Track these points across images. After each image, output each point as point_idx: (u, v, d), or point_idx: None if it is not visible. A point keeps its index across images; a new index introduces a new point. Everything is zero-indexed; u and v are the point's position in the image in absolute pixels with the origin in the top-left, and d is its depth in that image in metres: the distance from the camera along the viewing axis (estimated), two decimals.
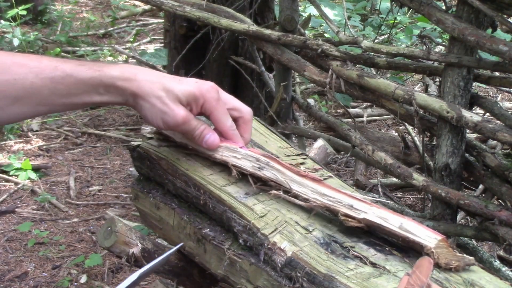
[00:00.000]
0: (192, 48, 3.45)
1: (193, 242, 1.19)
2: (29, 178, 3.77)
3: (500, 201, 2.30)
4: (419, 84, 5.02)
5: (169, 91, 1.08)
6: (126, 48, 5.78)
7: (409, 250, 1.02)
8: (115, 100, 1.10)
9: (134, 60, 5.02)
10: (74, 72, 1.06)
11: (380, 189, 2.89)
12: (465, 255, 0.99)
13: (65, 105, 1.10)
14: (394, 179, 3.36)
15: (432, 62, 2.31)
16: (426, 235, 0.96)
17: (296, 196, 1.09)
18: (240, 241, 1.07)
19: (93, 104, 1.12)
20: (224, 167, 1.21)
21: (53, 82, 1.05)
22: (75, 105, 1.10)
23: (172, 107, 1.08)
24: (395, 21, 5.20)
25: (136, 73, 1.09)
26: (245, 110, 1.19)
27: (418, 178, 2.11)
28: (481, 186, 3.07)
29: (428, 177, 2.19)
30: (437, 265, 0.95)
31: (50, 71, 1.05)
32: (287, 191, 1.10)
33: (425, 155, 2.34)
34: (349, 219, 1.02)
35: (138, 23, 7.25)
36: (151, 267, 1.09)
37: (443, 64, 2.15)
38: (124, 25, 7.15)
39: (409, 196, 3.56)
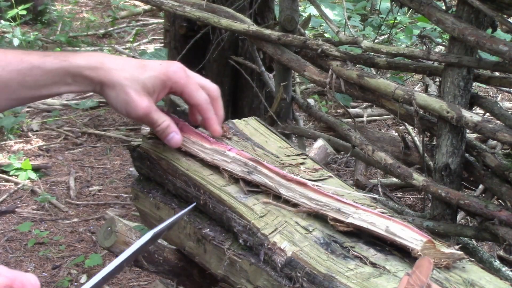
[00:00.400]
0: (192, 48, 3.45)
1: (193, 242, 1.19)
2: (29, 178, 3.77)
3: (500, 201, 2.30)
4: (419, 84, 5.01)
5: (134, 80, 1.07)
6: (126, 48, 5.78)
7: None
8: (83, 89, 1.10)
9: None
10: (40, 63, 1.05)
11: (380, 189, 2.89)
12: (454, 250, 0.99)
13: (34, 97, 1.09)
14: (394, 179, 3.36)
15: (432, 62, 2.30)
16: (412, 238, 0.97)
17: (287, 201, 1.09)
18: (240, 241, 1.07)
19: (62, 94, 1.12)
20: None
21: (20, 75, 1.04)
22: (44, 96, 1.10)
23: (134, 97, 1.07)
24: (395, 21, 5.19)
25: (102, 62, 1.08)
26: (212, 87, 1.20)
27: (418, 178, 2.11)
28: (481, 186, 3.07)
29: (428, 177, 2.19)
30: None
31: (17, 63, 1.04)
32: (278, 196, 1.10)
33: (425, 155, 2.34)
34: (339, 224, 1.03)
35: (138, 23, 7.24)
36: (164, 227, 1.07)
37: (443, 64, 2.15)
38: (124, 25, 7.15)
39: (409, 196, 3.56)
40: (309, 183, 1.08)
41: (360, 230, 1.02)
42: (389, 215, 1.04)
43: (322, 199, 1.05)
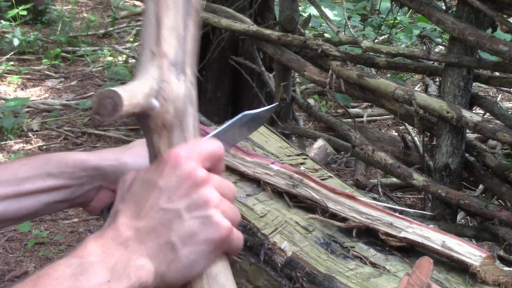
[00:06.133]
0: None
1: None
2: None
3: (500, 201, 2.30)
4: (419, 84, 5.01)
5: None
6: (126, 48, 5.78)
7: (409, 250, 1.02)
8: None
9: (134, 61, 5.02)
10: None
11: (380, 189, 2.88)
12: None
13: None
14: (394, 179, 3.35)
15: (432, 62, 2.31)
16: (469, 253, 0.95)
17: (334, 215, 1.06)
18: None
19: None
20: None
21: None
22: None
23: None
24: (395, 21, 5.19)
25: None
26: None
27: (418, 178, 2.11)
28: (481, 186, 3.07)
29: (428, 177, 2.19)
30: (484, 283, 0.94)
31: None
32: (324, 209, 1.08)
33: (425, 155, 2.34)
34: (390, 238, 1.00)
35: (138, 23, 7.24)
36: (254, 113, 1.05)
37: (443, 64, 2.15)
38: (124, 25, 7.14)
39: (409, 196, 3.55)
40: (359, 196, 1.06)
41: (413, 245, 1.00)
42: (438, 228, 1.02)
43: (373, 213, 1.03)
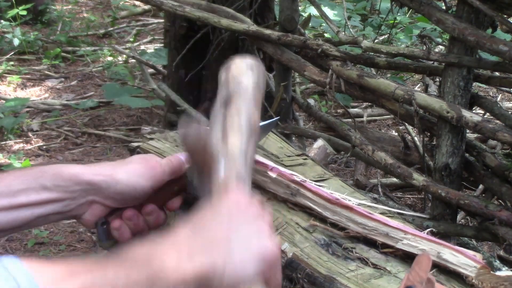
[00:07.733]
0: (192, 48, 3.45)
1: None
2: None
3: (500, 201, 2.30)
4: (419, 84, 5.01)
5: None
6: (126, 48, 5.77)
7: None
8: None
9: (134, 61, 5.02)
10: None
11: (380, 189, 2.88)
12: (510, 273, 0.98)
13: None
14: (394, 179, 3.35)
15: (432, 62, 2.31)
16: (465, 264, 0.96)
17: (334, 225, 1.06)
18: None
19: None
20: None
21: None
22: None
23: None
24: (395, 21, 5.19)
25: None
26: None
27: (418, 178, 2.11)
28: (481, 186, 3.07)
29: (428, 177, 2.19)
30: None
31: None
32: (323, 219, 1.08)
33: (425, 155, 2.34)
34: (387, 249, 1.01)
35: (138, 23, 7.23)
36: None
37: (443, 64, 2.15)
38: (124, 25, 7.14)
39: (409, 196, 3.55)
40: (355, 206, 1.05)
41: (410, 255, 1.00)
42: (433, 237, 1.02)
43: (369, 223, 1.03)
